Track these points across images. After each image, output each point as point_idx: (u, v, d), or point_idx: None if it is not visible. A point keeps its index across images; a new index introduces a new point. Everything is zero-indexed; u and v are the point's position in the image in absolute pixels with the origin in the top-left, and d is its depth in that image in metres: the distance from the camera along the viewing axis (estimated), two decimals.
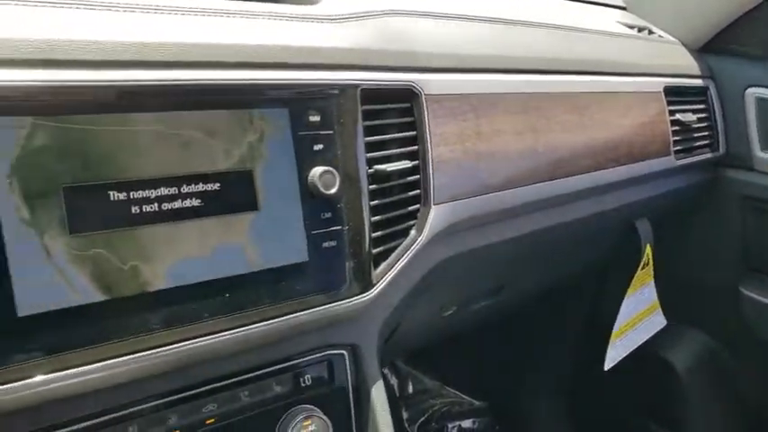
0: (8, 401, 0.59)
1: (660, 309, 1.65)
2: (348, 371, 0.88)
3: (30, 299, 0.59)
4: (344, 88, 0.80)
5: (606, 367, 1.51)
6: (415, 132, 0.91)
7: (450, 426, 2.12)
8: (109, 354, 0.64)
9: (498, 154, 1.02)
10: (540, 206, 1.12)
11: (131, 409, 0.70)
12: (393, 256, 0.87)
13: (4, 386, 0.59)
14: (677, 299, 1.72)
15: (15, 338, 0.59)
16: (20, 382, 0.59)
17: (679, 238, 1.77)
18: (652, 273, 1.61)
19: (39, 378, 0.60)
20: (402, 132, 0.90)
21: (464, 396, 2.23)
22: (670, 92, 1.43)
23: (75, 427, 0.67)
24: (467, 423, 2.15)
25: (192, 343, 0.69)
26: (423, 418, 2.11)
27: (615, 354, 1.51)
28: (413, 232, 0.90)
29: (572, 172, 1.16)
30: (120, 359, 0.64)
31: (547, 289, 1.68)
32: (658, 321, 1.63)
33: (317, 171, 0.76)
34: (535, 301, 1.75)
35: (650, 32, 1.60)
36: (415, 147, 0.91)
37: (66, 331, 0.62)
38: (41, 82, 0.60)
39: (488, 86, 1.02)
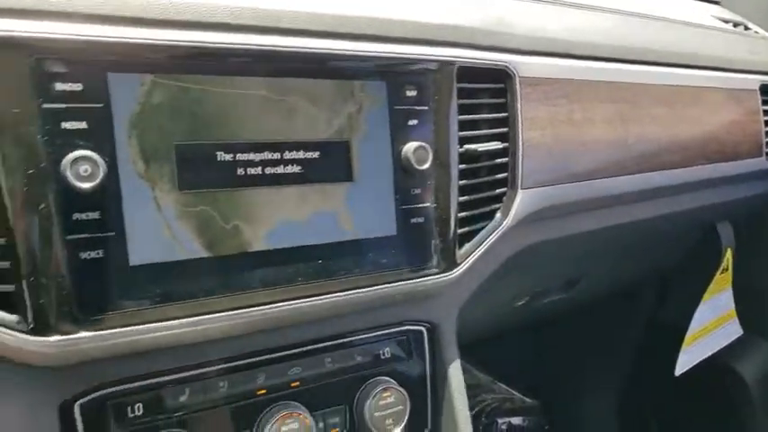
0: (111, 346, 0.62)
1: (737, 317, 1.59)
2: (426, 348, 0.88)
3: (140, 249, 0.62)
4: (442, 64, 0.80)
5: (677, 373, 1.46)
6: (506, 114, 0.90)
7: (500, 422, 2.10)
8: (207, 309, 0.66)
9: (588, 143, 1.00)
10: (625, 199, 1.09)
11: (223, 366, 0.73)
12: (477, 237, 0.87)
13: (111, 330, 0.61)
14: (751, 308, 1.65)
15: (126, 286, 0.62)
16: (125, 328, 0.62)
17: (758, 243, 1.69)
18: (731, 279, 1.55)
19: (142, 326, 0.63)
20: (494, 113, 0.89)
21: (515, 393, 2.21)
22: (766, 90, 1.37)
23: (168, 378, 0.70)
24: (517, 420, 2.13)
25: (285, 305, 0.70)
26: (473, 413, 2.10)
27: (687, 359, 1.47)
28: (498, 215, 0.89)
29: (659, 166, 1.13)
30: (217, 315, 0.67)
31: (618, 286, 1.64)
32: (734, 330, 1.57)
33: (410, 146, 0.77)
34: (603, 299, 1.71)
35: (746, 28, 1.53)
36: (506, 129, 0.90)
37: (170, 284, 0.64)
38: (164, 41, 0.62)
39: (582, 73, 1.00)
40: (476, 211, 0.87)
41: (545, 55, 0.97)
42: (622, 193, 1.07)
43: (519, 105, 0.90)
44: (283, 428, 0.74)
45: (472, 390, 2.20)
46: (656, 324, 1.78)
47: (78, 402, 0.65)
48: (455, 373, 0.90)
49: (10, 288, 0.58)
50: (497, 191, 0.89)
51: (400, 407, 0.83)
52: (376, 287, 0.77)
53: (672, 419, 1.89)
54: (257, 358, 0.75)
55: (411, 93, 0.78)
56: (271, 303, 0.69)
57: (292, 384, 0.77)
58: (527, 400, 2.17)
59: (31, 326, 0.58)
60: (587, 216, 1.06)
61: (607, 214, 1.10)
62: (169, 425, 0.70)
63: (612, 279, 1.55)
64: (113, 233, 0.60)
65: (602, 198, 1.04)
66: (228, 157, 0.66)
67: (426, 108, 0.79)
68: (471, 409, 2.27)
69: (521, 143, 0.90)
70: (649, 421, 1.93)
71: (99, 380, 0.66)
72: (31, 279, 0.57)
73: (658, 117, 1.12)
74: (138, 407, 0.68)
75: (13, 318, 0.58)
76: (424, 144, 0.77)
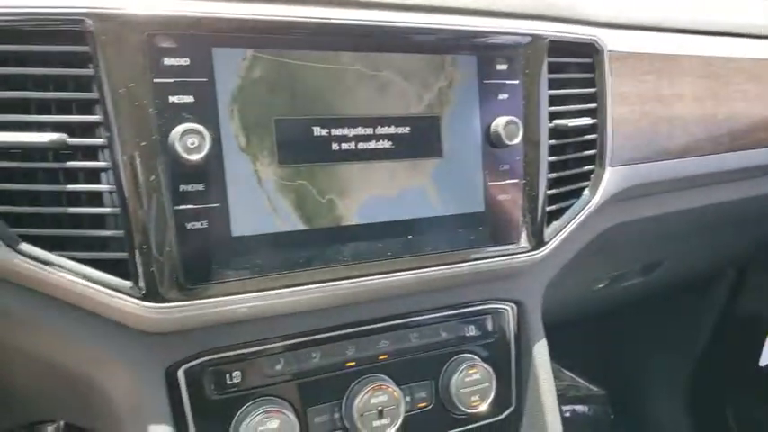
0: (212, 314, 0.64)
1: None
2: (512, 326, 0.88)
3: (242, 221, 0.64)
4: (534, 38, 0.79)
5: (762, 363, 1.40)
6: (595, 90, 0.88)
7: (564, 409, 2.07)
8: (301, 280, 0.67)
9: (677, 119, 0.97)
10: (714, 179, 1.05)
11: (315, 337, 0.74)
12: (566, 216, 0.85)
13: (214, 299, 0.63)
14: None
15: (228, 256, 0.63)
16: (226, 297, 0.64)
17: None
18: None
19: (241, 296, 0.65)
20: (583, 88, 0.87)
21: (581, 380, 2.18)
22: None
23: (264, 347, 0.72)
24: (581, 408, 2.09)
25: (375, 279, 0.71)
26: None
27: None
28: (586, 193, 0.88)
29: (751, 145, 1.08)
30: (311, 286, 0.68)
31: (694, 274, 1.59)
32: None
33: (500, 121, 0.76)
34: (677, 288, 1.66)
35: None
36: (595, 105, 0.88)
37: (269, 255, 0.65)
38: (264, 16, 0.63)
39: (671, 47, 0.97)
40: (564, 189, 0.85)
41: (634, 29, 0.94)
42: (712, 172, 1.03)
43: (607, 80, 0.88)
44: (373, 400, 0.75)
45: None
46: (731, 316, 1.71)
47: (183, 367, 0.68)
48: (541, 352, 0.89)
49: (124, 256, 0.60)
50: (585, 168, 0.88)
51: (486, 384, 0.83)
52: (463, 264, 0.76)
53: (751, 417, 1.82)
54: (347, 330, 0.76)
55: (501, 67, 0.77)
56: (361, 277, 0.70)
57: (380, 357, 0.78)
58: (593, 388, 2.13)
59: (143, 292, 0.61)
60: (675, 196, 1.03)
61: (694, 194, 1.07)
62: (265, 392, 0.72)
63: (691, 265, 1.50)
64: (217, 205, 0.62)
65: (692, 177, 1.00)
66: (324, 132, 0.67)
67: (517, 82, 0.78)
68: None
69: (609, 119, 0.88)
70: (726, 418, 1.86)
71: (202, 346, 0.68)
72: (143, 247, 0.60)
73: (749, 93, 1.07)
74: (237, 374, 0.70)
75: (126, 284, 0.61)
76: (514, 119, 0.76)
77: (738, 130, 1.05)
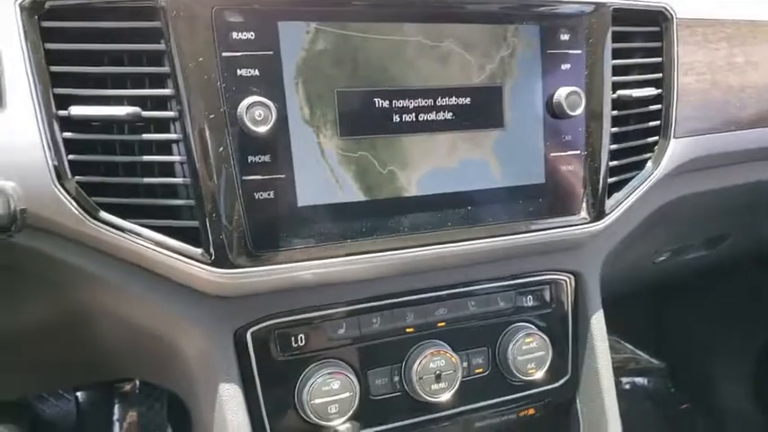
0: (279, 280, 0.67)
1: None
2: (569, 297, 0.88)
3: (307, 191, 0.66)
4: (598, 6, 0.77)
5: None
6: (661, 59, 0.85)
7: (623, 381, 2.05)
8: (364, 249, 0.69)
9: (750, 89, 0.93)
10: None
11: (375, 303, 0.77)
12: (627, 187, 0.84)
13: (280, 265, 0.66)
14: None
15: (293, 225, 0.66)
16: (292, 264, 0.67)
17: None
18: None
19: (306, 263, 0.67)
20: (648, 58, 0.85)
21: (641, 353, 2.15)
22: None
23: (327, 312, 0.75)
24: (640, 380, 2.07)
25: (434, 248, 0.72)
26: None
27: None
28: (649, 165, 0.86)
29: None
30: (372, 255, 0.70)
31: (760, 251, 1.53)
32: None
33: (563, 91, 0.75)
34: (742, 264, 1.60)
35: None
36: (660, 74, 0.85)
37: (333, 224, 0.68)
38: None
39: (747, 13, 0.93)
40: (626, 160, 0.84)
41: None
42: None
43: (675, 49, 0.85)
44: (431, 365, 0.77)
45: None
46: None
47: (250, 330, 0.71)
48: (598, 323, 0.89)
49: (194, 224, 0.64)
50: (649, 139, 0.86)
51: (542, 352, 0.84)
52: (522, 235, 0.77)
53: None
54: (406, 298, 0.78)
55: (564, 36, 0.76)
56: (421, 246, 0.72)
57: (438, 324, 0.80)
58: (653, 361, 2.10)
59: (213, 258, 0.64)
60: (744, 168, 0.99)
61: (764, 167, 1.03)
62: (327, 355, 0.75)
63: (760, 239, 1.44)
64: (284, 175, 0.65)
65: (762, 149, 0.97)
66: (386, 103, 0.68)
67: (580, 52, 0.77)
68: None
69: (675, 89, 0.85)
70: None
71: (268, 311, 0.72)
72: (212, 216, 0.63)
73: None
74: (301, 337, 0.74)
75: (197, 251, 0.64)
76: (576, 89, 0.75)
77: None
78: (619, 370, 2.16)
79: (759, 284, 1.72)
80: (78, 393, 1.45)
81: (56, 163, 0.60)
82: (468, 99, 0.72)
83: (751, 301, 1.78)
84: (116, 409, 1.46)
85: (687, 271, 1.44)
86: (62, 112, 0.60)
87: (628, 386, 2.06)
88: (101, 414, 1.46)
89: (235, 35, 0.61)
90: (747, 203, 1.15)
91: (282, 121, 0.64)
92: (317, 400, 0.72)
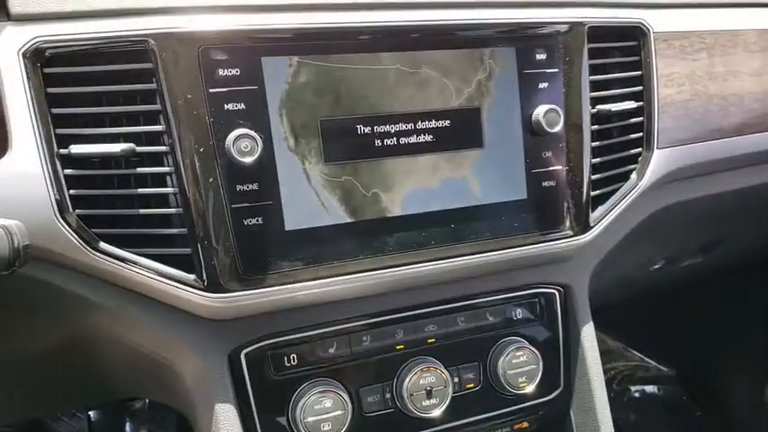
0: (270, 302, 0.70)
1: None
2: (559, 310, 0.90)
3: (294, 216, 0.69)
4: (573, 26, 0.80)
5: None
6: (640, 72, 0.87)
7: (632, 389, 2.04)
8: (351, 269, 0.72)
9: (732, 97, 0.94)
10: None
11: (365, 322, 0.79)
12: (612, 200, 0.86)
13: (270, 288, 0.69)
14: None
15: (282, 249, 0.69)
16: (282, 287, 0.69)
17: None
18: None
19: (295, 285, 0.70)
20: (627, 72, 0.87)
21: (650, 360, 2.13)
22: None
23: (318, 332, 0.78)
24: (651, 389, 2.05)
25: (420, 266, 0.75)
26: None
27: None
28: (633, 177, 0.88)
29: None
30: (360, 275, 0.73)
31: (761, 253, 1.53)
32: None
33: (541, 109, 0.77)
34: (746, 266, 1.60)
35: None
36: (640, 87, 0.87)
37: (320, 247, 0.70)
38: (307, 25, 0.68)
39: (725, 23, 0.95)
40: (609, 173, 0.86)
41: (681, 6, 0.93)
42: None
43: (654, 62, 0.87)
44: (421, 381, 0.79)
45: (602, 356, 2.15)
46: None
47: (244, 351, 0.74)
48: (588, 335, 0.91)
49: (187, 251, 0.67)
50: (632, 151, 0.88)
51: (533, 366, 0.85)
52: (507, 250, 0.79)
53: None
54: (396, 315, 0.81)
55: (541, 56, 0.78)
56: (406, 265, 0.74)
57: (428, 340, 0.82)
58: (662, 368, 2.09)
59: (206, 284, 0.67)
60: (729, 175, 1.01)
61: (752, 173, 1.04)
62: (320, 374, 0.77)
63: (756, 242, 1.45)
64: (271, 202, 0.68)
65: (747, 156, 0.98)
66: (367, 129, 0.71)
67: (557, 70, 0.79)
68: None
69: (656, 101, 0.87)
70: None
71: (261, 332, 0.75)
72: (204, 243, 0.66)
73: None
74: (293, 357, 0.76)
75: (191, 276, 0.67)
76: (554, 107, 0.77)
77: None
78: (628, 378, 2.15)
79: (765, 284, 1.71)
80: (90, 412, 1.49)
81: (58, 198, 0.63)
82: (448, 121, 0.75)
83: (761, 299, 1.77)
84: (127, 426, 1.50)
85: (684, 277, 1.45)
86: (63, 151, 0.64)
87: (637, 394, 2.03)
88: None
89: (221, 72, 0.65)
90: (739, 208, 1.16)
91: (268, 150, 0.67)
92: (311, 418, 0.74)
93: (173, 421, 1.47)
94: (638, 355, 2.14)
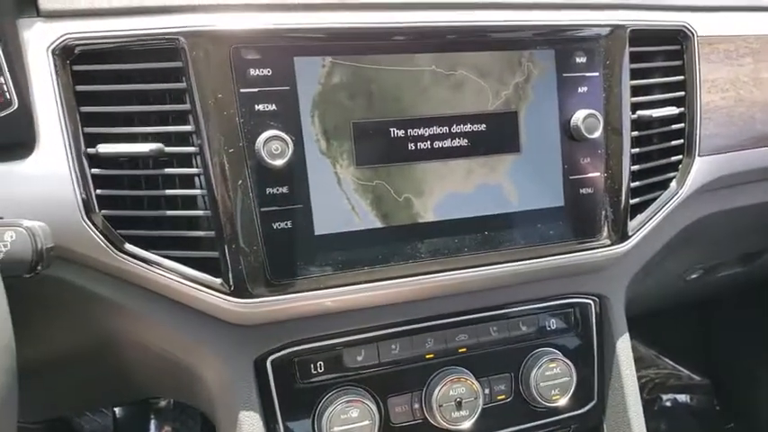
0: (297, 308, 0.69)
1: None
2: (594, 321, 0.87)
3: (324, 220, 0.67)
4: (614, 29, 0.77)
5: None
6: (683, 77, 0.84)
7: (664, 398, 1.99)
8: (381, 275, 0.70)
9: None
10: None
11: (394, 330, 0.77)
12: (651, 208, 0.83)
13: (298, 294, 0.67)
14: None
15: (311, 254, 0.67)
16: (310, 292, 0.68)
17: None
18: None
19: (324, 291, 0.68)
20: (669, 77, 0.84)
21: (682, 369, 2.08)
22: None
23: (346, 339, 0.76)
24: (683, 397, 2.00)
25: (452, 274, 0.73)
26: None
27: None
28: (673, 185, 0.85)
29: None
30: (390, 281, 0.70)
31: None
32: None
33: (580, 114, 0.75)
34: None
35: None
36: (682, 93, 0.84)
37: (349, 252, 0.69)
38: (341, 24, 0.66)
39: None
40: (649, 181, 0.83)
41: (727, 10, 0.89)
42: None
43: (698, 67, 0.84)
44: (452, 392, 0.77)
45: (634, 363, 2.10)
46: None
47: (270, 358, 0.72)
48: (623, 347, 0.88)
49: (214, 254, 0.65)
50: (672, 158, 0.85)
51: (566, 378, 0.83)
52: (542, 259, 0.76)
53: None
54: (426, 324, 0.78)
55: (580, 59, 0.75)
56: (438, 272, 0.72)
57: (459, 350, 0.80)
58: (695, 377, 2.04)
59: (232, 288, 0.65)
60: None
61: None
62: (347, 382, 0.76)
63: None
64: (301, 205, 0.66)
65: None
66: (401, 132, 0.69)
67: (596, 74, 0.76)
68: None
69: (699, 107, 0.84)
70: None
71: (288, 338, 0.73)
72: (232, 247, 0.64)
73: None
74: (320, 364, 0.75)
75: (217, 281, 0.66)
76: (594, 112, 0.75)
77: None
78: (660, 386, 2.10)
79: None
80: (116, 409, 1.50)
81: (84, 197, 0.62)
82: (484, 125, 0.72)
83: None
84: (152, 424, 1.51)
85: (722, 287, 1.40)
86: (91, 150, 0.63)
87: (669, 403, 1.99)
88: (137, 429, 1.52)
89: (252, 72, 0.63)
90: None
91: (299, 152, 0.65)
92: (336, 428, 0.72)
93: (197, 420, 1.47)
94: (671, 363, 2.09)
